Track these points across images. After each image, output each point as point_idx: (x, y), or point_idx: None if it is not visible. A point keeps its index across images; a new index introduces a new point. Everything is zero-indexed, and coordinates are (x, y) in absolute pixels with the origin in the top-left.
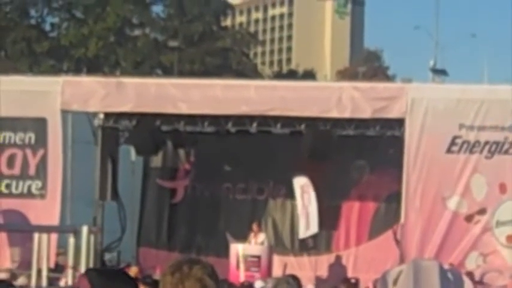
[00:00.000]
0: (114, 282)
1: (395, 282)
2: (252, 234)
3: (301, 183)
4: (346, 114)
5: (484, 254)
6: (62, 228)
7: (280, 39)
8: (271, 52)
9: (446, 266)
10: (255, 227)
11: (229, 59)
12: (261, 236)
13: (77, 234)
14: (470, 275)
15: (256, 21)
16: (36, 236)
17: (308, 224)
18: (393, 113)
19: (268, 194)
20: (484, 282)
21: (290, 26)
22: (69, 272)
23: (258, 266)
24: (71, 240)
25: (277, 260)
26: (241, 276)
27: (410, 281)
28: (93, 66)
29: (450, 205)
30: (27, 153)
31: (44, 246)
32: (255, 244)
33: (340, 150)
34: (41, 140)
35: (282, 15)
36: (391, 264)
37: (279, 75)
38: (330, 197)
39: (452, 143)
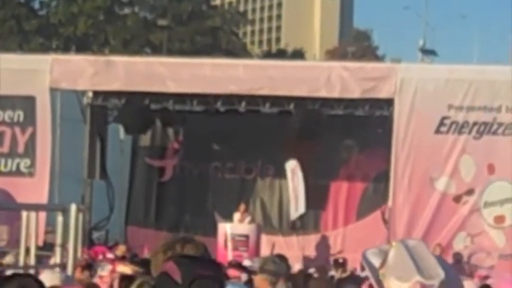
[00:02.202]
0: (200, 262)
1: (383, 263)
2: (238, 214)
3: (291, 166)
4: (335, 94)
5: (472, 235)
6: (51, 206)
7: (270, 18)
8: (261, 31)
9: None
10: (242, 207)
11: (219, 38)
12: (247, 217)
13: (66, 213)
14: (458, 256)
15: (246, 0)
16: (24, 214)
17: (297, 205)
18: (382, 93)
19: (257, 174)
20: (471, 262)
21: (279, 5)
22: (58, 250)
23: (246, 245)
24: (60, 218)
25: (265, 239)
26: (229, 256)
27: (407, 258)
28: (82, 45)
29: (438, 186)
30: (16, 131)
31: (33, 225)
32: (240, 222)
33: (329, 130)
34: (30, 118)
35: None
36: (379, 244)
37: (268, 55)
38: (318, 176)
39: (441, 123)
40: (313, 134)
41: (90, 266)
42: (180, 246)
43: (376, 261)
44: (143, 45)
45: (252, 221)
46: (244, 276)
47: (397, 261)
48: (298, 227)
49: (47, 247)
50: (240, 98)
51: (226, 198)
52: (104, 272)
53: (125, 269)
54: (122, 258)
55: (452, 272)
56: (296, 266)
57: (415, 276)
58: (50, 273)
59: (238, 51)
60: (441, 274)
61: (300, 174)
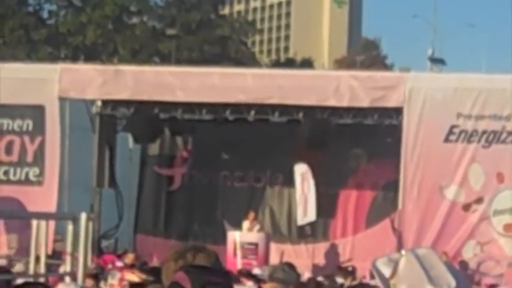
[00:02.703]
0: (209, 270)
1: (393, 273)
2: (246, 222)
3: (301, 170)
4: (344, 103)
5: (481, 243)
6: (61, 215)
7: (278, 27)
8: (269, 40)
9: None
10: (251, 215)
11: (228, 47)
12: (256, 226)
13: (76, 221)
14: (464, 264)
15: (255, 9)
16: (34, 222)
17: (306, 211)
18: (391, 102)
19: (266, 182)
20: (480, 271)
21: (288, 14)
22: (68, 258)
23: (255, 253)
24: (70, 227)
25: (274, 247)
26: (238, 264)
27: (418, 268)
28: (91, 54)
29: (448, 194)
30: (25, 140)
31: (43, 233)
32: (249, 231)
33: (338, 139)
34: (39, 127)
35: (280, 4)
36: (388, 252)
37: (276, 64)
38: (328, 185)
39: (450, 132)
40: (322, 142)
41: (96, 276)
42: (191, 255)
43: (386, 271)
44: (152, 54)
45: (261, 229)
46: (250, 284)
47: (407, 271)
48: (307, 234)
49: (56, 256)
50: (248, 107)
51: (235, 206)
52: (114, 280)
53: (132, 277)
54: (131, 267)
55: (462, 279)
56: (305, 275)
57: (426, 285)
58: (65, 286)
59: (246, 60)
60: (452, 283)
61: (311, 181)
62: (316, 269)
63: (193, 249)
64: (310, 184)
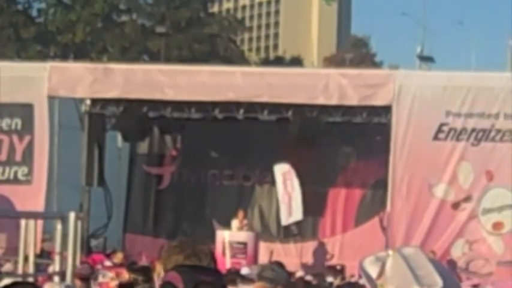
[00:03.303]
0: (201, 269)
1: (380, 274)
2: (236, 221)
3: (283, 170)
4: (333, 101)
5: (470, 242)
6: (49, 214)
7: (267, 25)
8: (258, 38)
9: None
10: (240, 214)
11: (217, 45)
12: (246, 225)
13: (64, 221)
14: (452, 263)
15: (244, 7)
16: (23, 222)
17: (291, 211)
18: (380, 100)
19: (255, 181)
20: (469, 270)
21: (277, 12)
22: (57, 258)
23: (244, 252)
24: (58, 226)
25: (263, 246)
26: (227, 263)
27: (405, 268)
28: (80, 52)
29: (437, 192)
30: (14, 139)
31: (31, 233)
32: (238, 229)
33: (327, 137)
34: (28, 126)
35: (269, 2)
36: (377, 251)
37: (266, 62)
38: (317, 183)
39: (439, 130)
40: (311, 141)
41: (87, 278)
42: (193, 244)
43: (373, 271)
44: (141, 52)
45: (251, 228)
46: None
47: (394, 271)
48: (294, 234)
49: (44, 255)
50: (238, 105)
51: (224, 205)
52: (106, 279)
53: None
54: (120, 266)
55: (450, 278)
56: (298, 273)
57: (412, 285)
58: (51, 286)
59: (236, 58)
60: (439, 282)
61: (295, 180)
62: (305, 267)
63: (192, 241)
64: (294, 183)
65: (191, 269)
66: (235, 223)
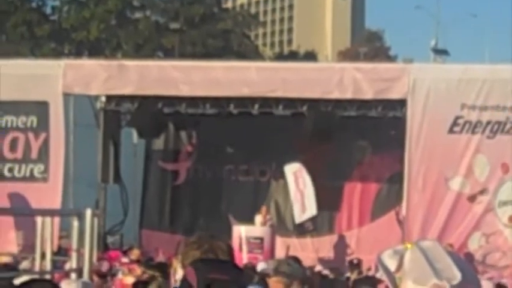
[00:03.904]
0: (218, 266)
1: (399, 267)
2: (259, 216)
3: (293, 169)
4: (348, 95)
5: (487, 234)
6: (66, 211)
7: (281, 20)
8: (272, 33)
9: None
10: (263, 209)
11: (231, 40)
12: (269, 220)
13: (81, 218)
14: (469, 255)
15: (257, 2)
16: (39, 219)
17: (304, 208)
18: (395, 94)
19: (271, 176)
20: (486, 262)
21: (291, 7)
22: (74, 255)
23: (261, 247)
24: (75, 223)
25: (279, 241)
26: (244, 258)
27: (423, 261)
28: (95, 49)
29: (453, 186)
30: (30, 137)
31: (48, 230)
32: (262, 225)
33: (342, 131)
34: (43, 124)
35: None
36: (393, 245)
37: (280, 57)
38: (332, 178)
39: (455, 123)
40: (327, 135)
41: (104, 276)
42: (210, 240)
43: (391, 264)
44: (155, 49)
45: (273, 223)
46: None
47: (413, 264)
48: (308, 229)
49: (61, 252)
50: (252, 100)
51: (240, 200)
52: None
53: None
54: (137, 262)
55: (469, 271)
56: (317, 268)
57: (432, 279)
58: (67, 283)
59: (250, 53)
60: (458, 275)
61: (306, 177)
62: (321, 262)
63: (210, 237)
64: (305, 180)
65: (207, 265)
66: (258, 218)
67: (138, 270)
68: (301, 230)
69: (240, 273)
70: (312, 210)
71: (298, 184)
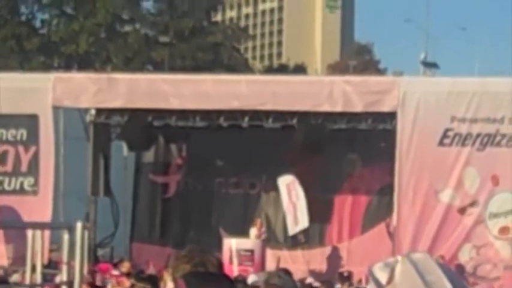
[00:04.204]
0: (210, 284)
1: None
2: (254, 229)
3: (286, 181)
4: (338, 108)
5: (478, 246)
6: (56, 224)
7: (271, 33)
8: (262, 46)
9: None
10: (258, 222)
11: (220, 54)
12: (264, 233)
13: (71, 231)
14: (460, 267)
15: (247, 16)
16: (30, 232)
17: (296, 220)
18: (385, 107)
19: (261, 189)
20: (477, 274)
21: (280, 20)
22: (64, 268)
23: (252, 260)
24: (66, 236)
25: (270, 254)
26: (235, 271)
27: (414, 274)
28: (84, 63)
29: (443, 198)
30: (19, 150)
31: (38, 243)
32: (256, 238)
33: (332, 144)
34: (33, 137)
35: (272, 10)
36: (384, 257)
37: (269, 70)
38: (322, 190)
39: (444, 135)
40: (317, 148)
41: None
42: (201, 254)
43: (382, 277)
44: (145, 62)
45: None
46: None
47: (404, 277)
48: (301, 242)
49: (52, 265)
50: (242, 113)
51: (230, 213)
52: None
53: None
54: (127, 275)
55: (459, 283)
56: (308, 280)
57: None
58: None
59: (239, 66)
60: (448, 287)
61: (299, 189)
62: (312, 274)
63: (200, 251)
64: (298, 192)
65: (198, 278)
66: (253, 231)
67: (126, 282)
68: (293, 242)
69: (231, 285)
70: (304, 222)
71: (291, 196)
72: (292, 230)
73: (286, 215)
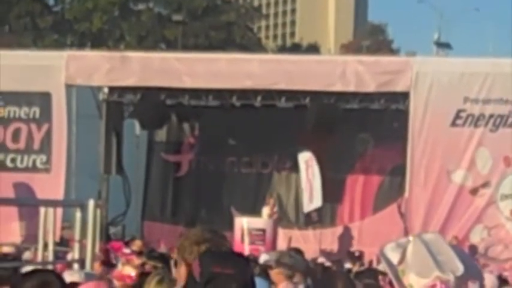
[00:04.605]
0: (223, 258)
1: (401, 260)
2: (267, 208)
3: (305, 158)
4: (351, 88)
5: (489, 227)
6: (68, 202)
7: (284, 12)
8: (275, 26)
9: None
10: (271, 201)
11: (233, 33)
12: (275, 212)
13: (84, 209)
14: (473, 248)
15: None
16: (42, 210)
17: (312, 198)
18: (398, 87)
19: (273, 168)
20: (488, 255)
21: None
22: (76, 245)
23: (263, 239)
24: (78, 214)
25: (281, 233)
26: (246, 250)
27: (426, 254)
28: (97, 41)
29: (455, 178)
30: (32, 128)
31: (50, 221)
32: (269, 217)
33: (345, 124)
34: (46, 115)
35: None
36: (395, 237)
37: (282, 49)
38: (334, 170)
39: (457, 116)
40: (329, 128)
41: (106, 263)
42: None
43: (394, 257)
44: (158, 40)
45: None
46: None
47: (415, 257)
48: (314, 221)
49: (64, 243)
50: (255, 92)
51: (242, 192)
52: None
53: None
54: (139, 253)
55: (471, 263)
56: (320, 259)
57: (434, 271)
58: (70, 274)
59: (252, 46)
60: (460, 267)
61: (315, 167)
62: (323, 254)
63: (209, 231)
64: (314, 170)
65: (213, 258)
66: (266, 210)
67: (136, 260)
68: (307, 220)
69: (246, 265)
70: (318, 201)
71: (308, 174)
72: (307, 207)
73: (303, 192)
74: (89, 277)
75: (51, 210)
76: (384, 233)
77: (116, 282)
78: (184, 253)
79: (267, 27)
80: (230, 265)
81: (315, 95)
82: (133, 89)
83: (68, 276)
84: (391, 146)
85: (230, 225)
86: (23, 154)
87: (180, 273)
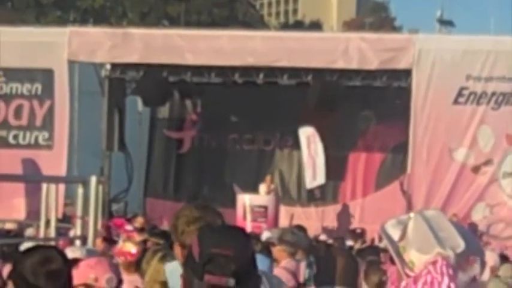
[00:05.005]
0: (223, 238)
1: (402, 236)
2: (264, 185)
3: (307, 133)
4: (353, 65)
5: (491, 205)
6: (71, 178)
7: None
8: (278, 3)
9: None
10: (268, 178)
11: (236, 9)
12: (272, 190)
13: (86, 185)
14: (473, 225)
15: None
16: (44, 186)
17: (315, 175)
18: (400, 64)
19: (275, 145)
20: (490, 233)
21: None
22: (78, 222)
23: (265, 216)
24: (80, 190)
25: (284, 210)
26: (248, 227)
27: (427, 230)
28: (100, 17)
29: (457, 156)
30: (34, 104)
31: (52, 197)
32: (266, 194)
33: (347, 101)
34: (48, 91)
35: None
36: (397, 215)
37: (285, 26)
38: (337, 147)
39: (459, 94)
40: (331, 105)
41: (108, 239)
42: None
43: (395, 234)
44: (161, 17)
45: (277, 193)
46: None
47: (416, 234)
48: (317, 197)
49: (66, 219)
50: (257, 69)
51: (244, 169)
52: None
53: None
54: (141, 230)
55: (472, 240)
56: (321, 237)
57: (435, 247)
58: (72, 250)
59: (255, 22)
60: (461, 244)
61: (318, 144)
62: (325, 231)
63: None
64: (317, 147)
65: (213, 235)
66: (262, 187)
67: (137, 237)
68: (309, 196)
69: (247, 239)
70: (321, 178)
71: (311, 150)
72: (310, 184)
73: (305, 168)
74: (90, 253)
75: (53, 186)
76: (386, 210)
77: (118, 259)
78: (177, 233)
79: (270, 4)
80: (230, 245)
81: (317, 72)
82: (135, 66)
83: (70, 253)
84: (394, 123)
85: (232, 202)
86: (25, 131)
87: (176, 252)
